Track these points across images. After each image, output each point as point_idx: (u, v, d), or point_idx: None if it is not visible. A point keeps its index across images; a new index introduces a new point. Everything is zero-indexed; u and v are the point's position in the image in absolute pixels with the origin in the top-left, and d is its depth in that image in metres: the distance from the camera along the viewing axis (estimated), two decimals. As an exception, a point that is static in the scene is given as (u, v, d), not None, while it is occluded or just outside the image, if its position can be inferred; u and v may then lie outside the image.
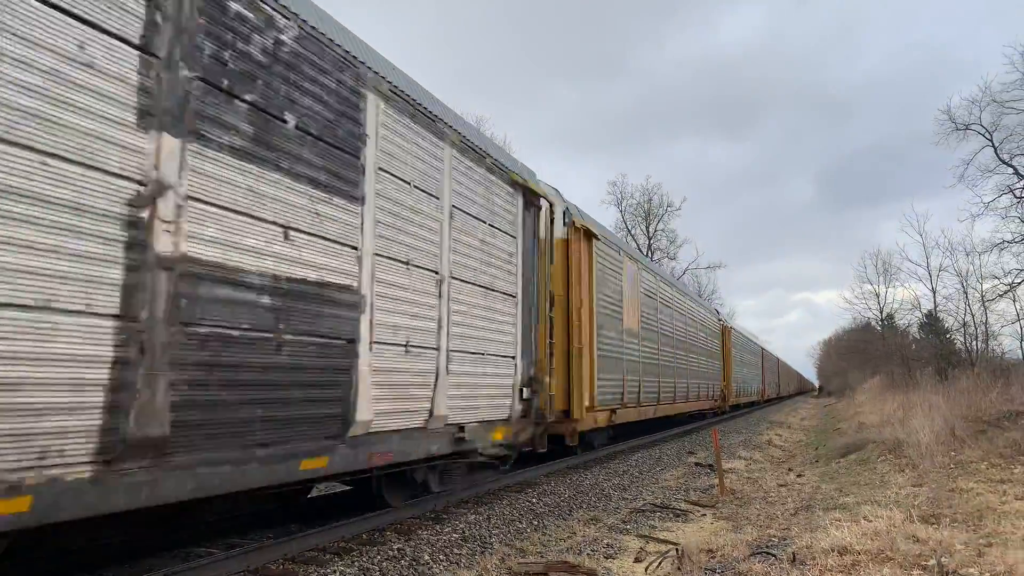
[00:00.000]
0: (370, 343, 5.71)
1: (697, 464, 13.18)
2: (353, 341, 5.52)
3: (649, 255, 50.96)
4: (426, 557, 5.87)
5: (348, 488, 7.77)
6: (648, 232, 56.10)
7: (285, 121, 4.93)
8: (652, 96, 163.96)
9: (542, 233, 9.63)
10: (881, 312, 46.17)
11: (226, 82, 4.44)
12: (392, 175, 6.15)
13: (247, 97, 4.60)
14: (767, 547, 6.15)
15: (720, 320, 28.87)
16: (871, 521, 6.75)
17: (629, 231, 55.05)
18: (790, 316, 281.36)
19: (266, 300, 4.69)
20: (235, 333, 4.44)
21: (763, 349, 46.51)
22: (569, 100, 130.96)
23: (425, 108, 6.74)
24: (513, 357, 8.42)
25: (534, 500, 8.68)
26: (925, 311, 37.84)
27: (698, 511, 8.57)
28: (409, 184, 6.40)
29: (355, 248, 5.60)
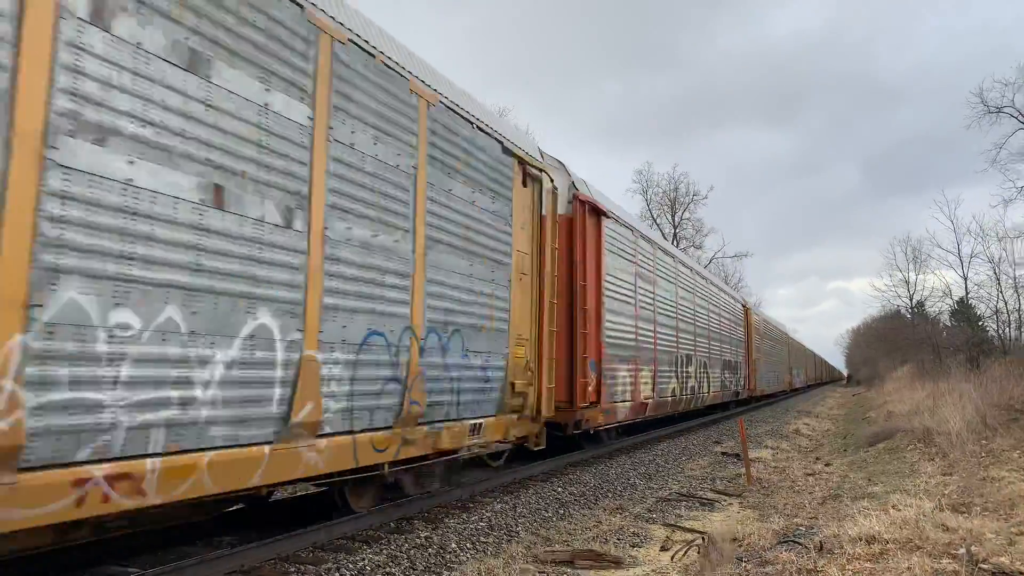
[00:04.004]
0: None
1: (724, 453, 13.14)
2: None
3: (675, 244, 50.61)
4: (453, 545, 5.94)
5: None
6: (673, 221, 55.73)
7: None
8: (700, 87, 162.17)
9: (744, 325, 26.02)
10: (911, 300, 45.51)
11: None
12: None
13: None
14: (794, 536, 6.13)
15: (786, 334, 43.63)
16: (900, 510, 6.69)
17: (654, 220, 54.68)
18: (824, 304, 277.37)
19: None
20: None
21: (803, 346, 60.02)
22: (617, 92, 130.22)
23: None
24: (737, 370, 23.77)
25: (560, 489, 8.72)
26: (956, 298, 37.25)
27: (724, 500, 8.56)
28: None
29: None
